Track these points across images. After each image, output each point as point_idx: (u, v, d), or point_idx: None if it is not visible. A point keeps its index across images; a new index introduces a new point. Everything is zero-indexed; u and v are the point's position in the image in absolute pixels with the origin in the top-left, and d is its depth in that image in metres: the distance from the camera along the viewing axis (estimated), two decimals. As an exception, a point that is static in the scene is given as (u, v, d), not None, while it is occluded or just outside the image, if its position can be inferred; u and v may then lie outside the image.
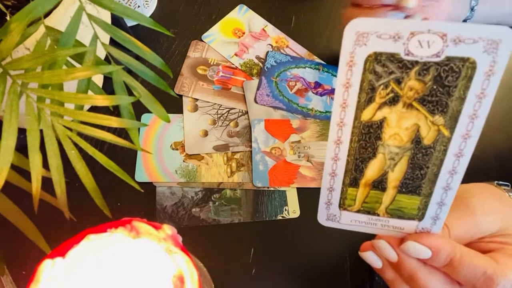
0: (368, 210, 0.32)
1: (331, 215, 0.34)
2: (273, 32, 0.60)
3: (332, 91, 0.56)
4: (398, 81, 0.26)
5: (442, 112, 0.27)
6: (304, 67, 0.58)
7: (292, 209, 0.49)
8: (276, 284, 0.46)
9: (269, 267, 0.47)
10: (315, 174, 0.51)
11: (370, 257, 0.34)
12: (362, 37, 0.25)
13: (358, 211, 0.33)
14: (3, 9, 0.40)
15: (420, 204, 0.31)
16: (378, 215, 0.32)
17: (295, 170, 0.51)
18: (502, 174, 0.51)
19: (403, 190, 0.31)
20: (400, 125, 0.28)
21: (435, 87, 0.26)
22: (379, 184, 0.31)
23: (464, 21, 0.52)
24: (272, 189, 0.50)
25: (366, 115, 0.28)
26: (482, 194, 0.34)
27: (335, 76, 0.57)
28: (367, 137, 0.29)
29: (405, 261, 0.31)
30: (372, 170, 0.30)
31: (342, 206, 0.33)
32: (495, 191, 0.35)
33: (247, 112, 0.55)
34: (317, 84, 0.57)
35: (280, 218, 0.49)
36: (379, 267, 0.34)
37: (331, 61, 0.58)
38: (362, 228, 0.33)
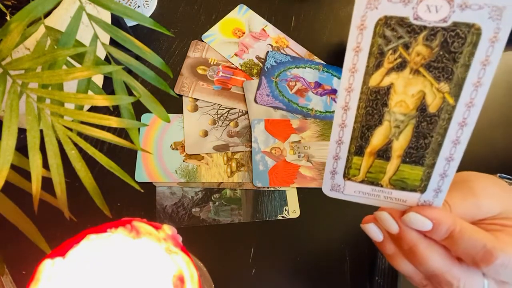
0: (372, 180, 0.33)
1: (336, 185, 0.34)
2: (273, 32, 0.60)
3: (332, 91, 0.56)
4: (406, 46, 0.27)
5: (447, 79, 0.28)
6: (304, 67, 0.58)
7: (292, 209, 0.49)
8: (276, 284, 0.46)
9: (269, 267, 0.47)
10: (315, 174, 0.51)
11: (372, 229, 0.34)
12: (373, 0, 0.26)
13: (362, 182, 0.33)
14: (3, 9, 0.40)
15: (423, 175, 0.31)
16: (382, 186, 0.33)
17: (295, 170, 0.51)
18: (503, 174, 0.51)
19: (407, 160, 0.31)
20: (407, 91, 0.29)
21: (441, 53, 0.27)
22: (384, 153, 0.31)
23: None
24: (272, 189, 0.50)
25: (374, 80, 0.29)
26: (485, 181, 0.34)
27: (335, 76, 0.57)
28: (374, 104, 0.30)
29: (406, 233, 0.31)
30: (377, 138, 0.31)
31: (346, 175, 0.33)
32: (498, 180, 0.36)
33: (247, 112, 0.55)
34: (317, 84, 0.57)
35: (280, 218, 0.49)
36: (379, 240, 0.34)
37: (331, 61, 0.58)
38: (365, 199, 0.34)
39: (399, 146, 0.31)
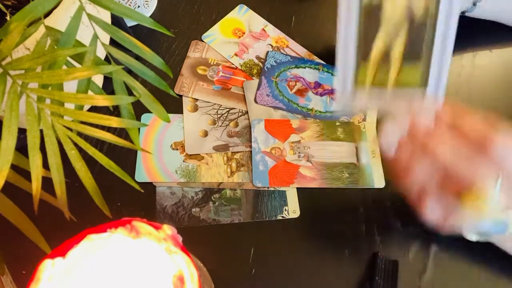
0: (378, 85, 0.37)
1: (347, 98, 0.38)
2: (273, 32, 0.60)
3: (332, 91, 0.56)
4: None
5: None
6: (304, 67, 0.58)
7: (292, 209, 0.49)
8: (276, 284, 0.46)
9: (269, 267, 0.47)
10: (315, 174, 0.51)
11: (389, 129, 0.37)
12: None
13: (370, 88, 0.37)
14: (3, 9, 0.40)
15: (423, 69, 0.35)
16: (387, 88, 0.36)
17: (295, 170, 0.51)
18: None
19: (406, 60, 0.35)
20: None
21: None
22: (385, 58, 0.36)
23: (463, 13, 0.52)
24: (272, 189, 0.50)
25: None
26: None
27: (335, 76, 0.57)
28: (372, 14, 0.34)
29: (417, 125, 0.35)
30: (378, 45, 0.35)
31: (355, 85, 0.37)
32: None
33: (247, 112, 0.55)
34: (317, 84, 0.57)
35: (280, 218, 0.49)
36: (396, 139, 0.36)
37: (331, 61, 0.58)
38: (375, 104, 0.39)
39: (398, 50, 0.35)
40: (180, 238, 0.30)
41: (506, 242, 0.40)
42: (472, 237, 0.36)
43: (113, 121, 0.31)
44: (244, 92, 0.56)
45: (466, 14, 0.52)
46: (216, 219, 0.49)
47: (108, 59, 0.35)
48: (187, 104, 0.55)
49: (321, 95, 0.56)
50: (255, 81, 0.56)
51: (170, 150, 0.52)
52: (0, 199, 0.31)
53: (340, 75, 0.37)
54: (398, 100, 0.36)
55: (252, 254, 0.47)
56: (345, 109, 0.39)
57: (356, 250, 0.47)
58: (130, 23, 0.58)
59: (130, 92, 0.36)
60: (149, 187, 0.50)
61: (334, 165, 0.51)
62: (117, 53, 0.34)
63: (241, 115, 0.55)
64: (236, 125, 0.54)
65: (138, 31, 0.58)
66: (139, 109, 0.45)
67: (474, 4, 0.51)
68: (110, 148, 0.51)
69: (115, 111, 0.50)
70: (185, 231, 0.35)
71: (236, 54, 0.58)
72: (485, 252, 0.47)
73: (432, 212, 0.36)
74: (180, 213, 0.49)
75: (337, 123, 0.54)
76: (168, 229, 0.29)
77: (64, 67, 0.32)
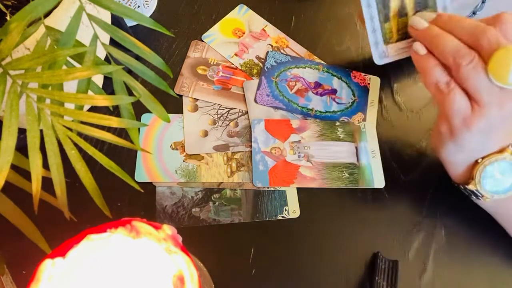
0: (403, 36, 0.47)
1: (382, 53, 0.48)
2: (273, 32, 0.60)
3: (332, 91, 0.56)
4: None
5: None
6: (304, 67, 0.58)
7: (292, 209, 0.49)
8: (276, 284, 0.46)
9: (269, 267, 0.47)
10: (315, 174, 0.51)
11: (417, 20, 0.45)
12: None
13: (397, 40, 0.47)
14: (3, 9, 0.40)
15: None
16: (411, 36, 0.45)
17: (295, 170, 0.51)
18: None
19: (418, 9, 0.46)
20: None
21: None
22: (402, 12, 0.46)
23: (474, 13, 0.55)
24: (272, 189, 0.50)
25: None
26: None
27: (335, 76, 0.57)
28: None
29: (431, 26, 0.43)
30: (394, 3, 0.45)
31: (386, 41, 0.47)
32: None
33: (247, 112, 0.55)
34: (317, 84, 0.57)
35: (280, 218, 0.49)
36: (425, 25, 0.44)
37: (331, 61, 0.58)
38: (406, 53, 0.48)
39: (409, 3, 0.45)
40: (180, 238, 0.30)
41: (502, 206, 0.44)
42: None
43: (113, 121, 0.31)
44: (244, 92, 0.56)
45: (478, 13, 0.53)
46: (216, 219, 0.49)
47: (108, 59, 0.35)
48: (187, 104, 0.55)
49: (321, 95, 0.56)
50: (255, 81, 0.56)
51: (170, 150, 0.52)
52: (0, 199, 0.31)
53: (372, 40, 0.47)
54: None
55: (252, 254, 0.47)
56: (383, 62, 0.48)
57: (356, 250, 0.47)
58: (130, 23, 0.58)
59: (130, 92, 0.36)
60: (149, 187, 0.50)
61: (334, 165, 0.51)
62: (117, 53, 0.34)
63: (241, 115, 0.55)
64: (236, 125, 0.54)
65: (138, 31, 0.59)
66: (139, 109, 0.45)
67: (483, 2, 0.52)
68: (110, 148, 0.51)
69: (115, 111, 0.50)
70: (185, 231, 0.35)
71: (236, 54, 0.58)
72: (485, 252, 0.47)
73: (460, 103, 0.40)
74: (180, 213, 0.49)
75: (337, 123, 0.54)
76: (168, 229, 0.29)
77: (64, 67, 0.32)
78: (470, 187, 0.43)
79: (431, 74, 0.41)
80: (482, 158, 0.41)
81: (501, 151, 0.41)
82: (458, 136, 0.41)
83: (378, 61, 0.48)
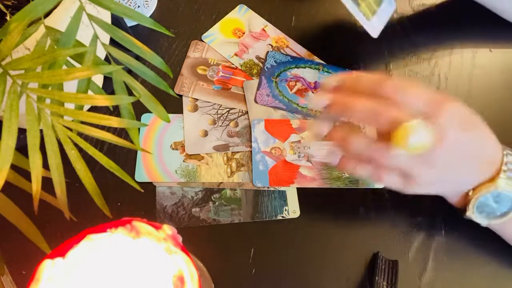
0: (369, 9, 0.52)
1: (373, 27, 0.52)
2: (273, 32, 0.60)
3: (332, 91, 0.56)
4: None
5: None
6: (304, 67, 0.58)
7: (292, 209, 0.49)
8: (276, 284, 0.46)
9: (269, 267, 0.47)
10: (315, 174, 0.51)
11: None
12: None
13: (375, 12, 0.52)
14: (3, 9, 0.40)
15: None
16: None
17: (295, 170, 0.51)
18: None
19: None
20: None
21: None
22: None
23: None
24: (272, 189, 0.50)
25: None
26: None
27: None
28: None
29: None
30: None
31: (369, 15, 0.52)
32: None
33: (247, 112, 0.55)
34: (317, 84, 0.57)
35: (280, 218, 0.49)
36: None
37: (331, 61, 0.58)
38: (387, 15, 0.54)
39: None
40: (180, 238, 0.30)
41: (506, 227, 0.43)
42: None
43: (113, 121, 0.31)
44: (244, 92, 0.56)
45: None
46: (216, 219, 0.49)
47: (108, 59, 0.35)
48: (187, 104, 0.55)
49: (321, 95, 0.56)
50: (255, 81, 0.56)
51: (170, 150, 0.52)
52: (0, 199, 0.31)
53: (361, 20, 0.51)
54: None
55: (252, 254, 0.47)
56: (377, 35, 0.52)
57: (356, 250, 0.47)
58: (130, 23, 0.58)
59: (130, 92, 0.36)
60: (149, 187, 0.50)
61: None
62: (117, 53, 0.34)
63: (241, 115, 0.55)
64: (236, 125, 0.54)
65: (138, 31, 0.59)
66: (139, 109, 0.45)
67: None
68: (110, 148, 0.51)
69: (115, 111, 0.50)
70: (185, 231, 0.35)
71: (236, 54, 0.58)
72: (484, 252, 0.47)
73: (393, 181, 0.40)
74: (180, 213, 0.49)
75: (337, 123, 0.54)
76: (168, 229, 0.29)
77: (64, 67, 0.32)
78: (467, 215, 0.42)
79: (359, 172, 0.41)
80: (473, 189, 0.40)
81: (492, 179, 0.39)
82: (421, 183, 0.40)
83: (376, 34, 0.52)
